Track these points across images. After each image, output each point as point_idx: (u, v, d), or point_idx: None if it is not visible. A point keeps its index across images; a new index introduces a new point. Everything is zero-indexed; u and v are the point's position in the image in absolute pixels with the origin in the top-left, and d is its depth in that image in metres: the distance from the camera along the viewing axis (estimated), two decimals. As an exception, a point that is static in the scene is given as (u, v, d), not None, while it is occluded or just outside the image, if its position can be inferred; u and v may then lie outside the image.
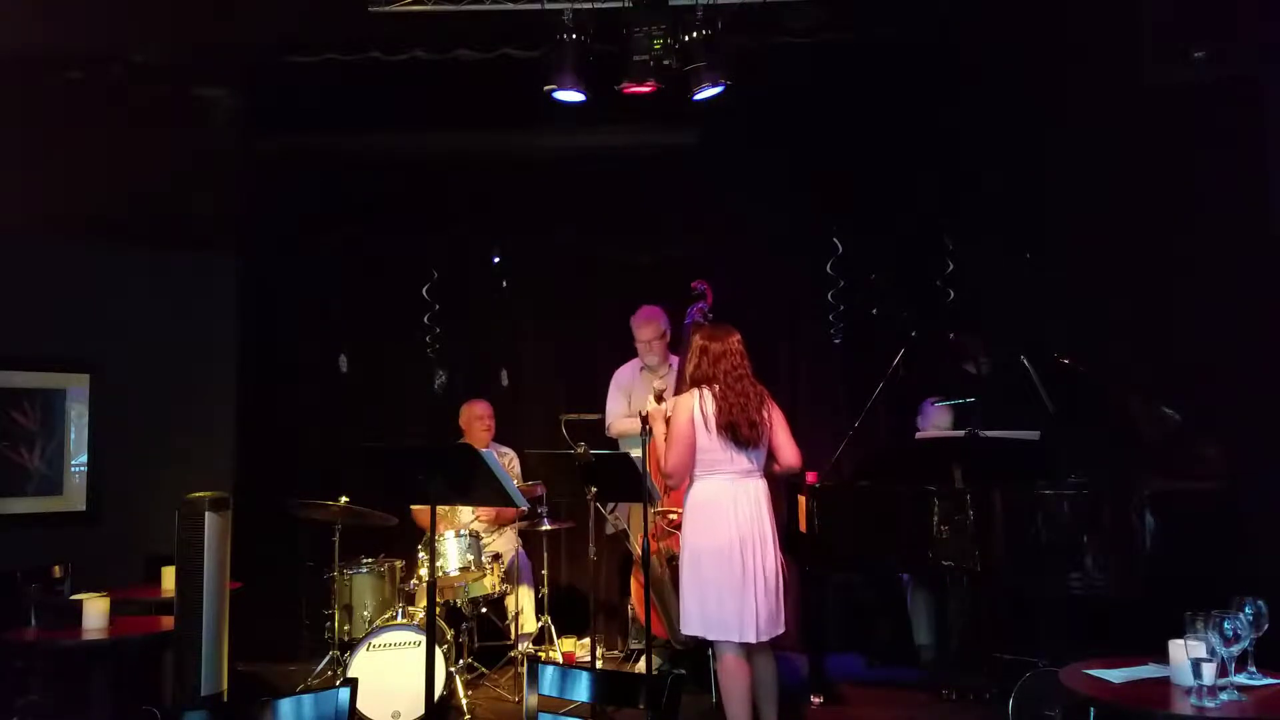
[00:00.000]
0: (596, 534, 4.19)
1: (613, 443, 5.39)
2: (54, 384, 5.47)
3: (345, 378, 6.29)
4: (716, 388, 3.96)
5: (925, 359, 5.08)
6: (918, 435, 5.42)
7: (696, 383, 4.02)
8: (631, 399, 5.33)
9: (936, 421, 5.40)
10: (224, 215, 5.93)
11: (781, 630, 4.00)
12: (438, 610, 4.25)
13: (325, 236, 6.24)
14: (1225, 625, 2.55)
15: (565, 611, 5.71)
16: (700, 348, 4.05)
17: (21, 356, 5.35)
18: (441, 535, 4.86)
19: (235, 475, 5.76)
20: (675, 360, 5.14)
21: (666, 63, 4.75)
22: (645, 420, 4.19)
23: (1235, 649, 2.57)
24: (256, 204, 6.05)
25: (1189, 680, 2.60)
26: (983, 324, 5.29)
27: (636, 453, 4.07)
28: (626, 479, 4.05)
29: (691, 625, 3.93)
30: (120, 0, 4.85)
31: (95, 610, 4.05)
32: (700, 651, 4.83)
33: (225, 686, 4.00)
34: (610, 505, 5.17)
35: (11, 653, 4.23)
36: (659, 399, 4.21)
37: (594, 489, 4.10)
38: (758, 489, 3.99)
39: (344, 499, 4.84)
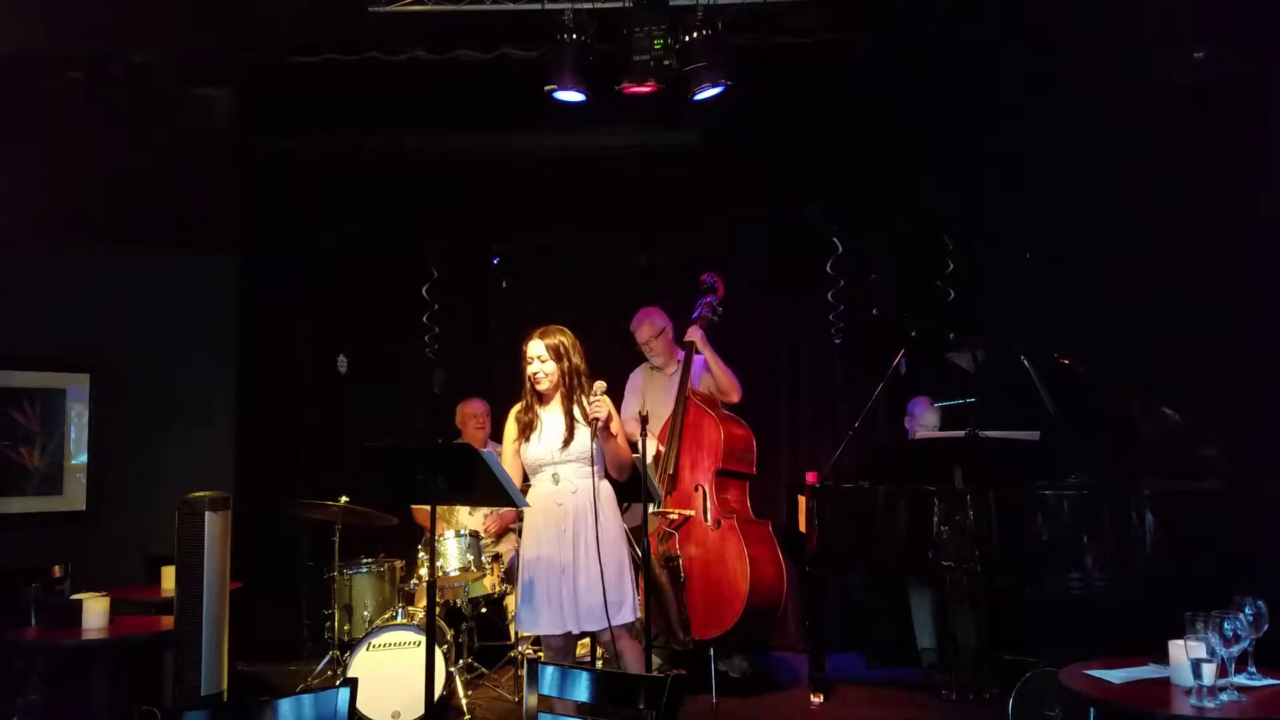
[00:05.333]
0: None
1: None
2: (54, 384, 5.47)
3: (345, 378, 6.29)
4: None
5: (925, 359, 5.08)
6: (915, 436, 5.41)
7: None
8: (645, 400, 5.30)
9: (925, 421, 5.39)
10: (224, 215, 5.91)
11: None
12: (438, 610, 4.25)
13: (325, 236, 6.25)
14: (1225, 625, 2.55)
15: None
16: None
17: (21, 356, 5.34)
18: (441, 535, 4.86)
19: (235, 475, 5.75)
20: (682, 355, 5.14)
21: (667, 63, 4.74)
22: (645, 421, 4.19)
23: (1235, 649, 2.57)
24: (256, 204, 6.05)
25: (1189, 680, 2.61)
26: (982, 324, 5.29)
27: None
28: (626, 478, 4.04)
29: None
30: (120, 0, 4.85)
31: (95, 610, 4.04)
32: (700, 651, 4.84)
33: (225, 686, 3.99)
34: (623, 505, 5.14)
35: (11, 653, 4.22)
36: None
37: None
38: None
39: (344, 499, 4.84)
